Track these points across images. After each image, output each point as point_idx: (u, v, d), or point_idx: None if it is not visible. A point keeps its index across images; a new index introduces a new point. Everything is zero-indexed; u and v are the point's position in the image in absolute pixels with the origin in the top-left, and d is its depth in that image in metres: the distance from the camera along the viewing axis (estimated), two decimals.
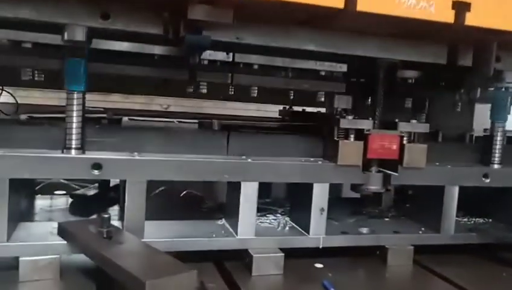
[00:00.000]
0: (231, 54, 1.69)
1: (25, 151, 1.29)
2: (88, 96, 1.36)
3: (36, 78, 1.65)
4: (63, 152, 1.32)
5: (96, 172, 1.31)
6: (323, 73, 1.79)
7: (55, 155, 1.30)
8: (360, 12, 1.19)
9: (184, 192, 2.14)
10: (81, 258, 1.38)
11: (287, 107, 2.16)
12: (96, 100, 2.41)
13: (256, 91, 1.77)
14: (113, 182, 1.96)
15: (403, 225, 1.78)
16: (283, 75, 1.76)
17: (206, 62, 1.67)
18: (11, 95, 2.12)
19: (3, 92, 1.95)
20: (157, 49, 1.61)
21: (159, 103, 2.75)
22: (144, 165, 1.35)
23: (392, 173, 1.55)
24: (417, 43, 1.52)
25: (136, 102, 2.73)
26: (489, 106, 1.81)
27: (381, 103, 1.65)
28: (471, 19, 1.27)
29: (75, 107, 1.32)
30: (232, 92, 1.81)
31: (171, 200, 1.92)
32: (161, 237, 1.41)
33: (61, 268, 1.31)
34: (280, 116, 2.19)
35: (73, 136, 1.31)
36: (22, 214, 1.46)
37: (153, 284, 1.03)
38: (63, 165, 1.30)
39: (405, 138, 1.55)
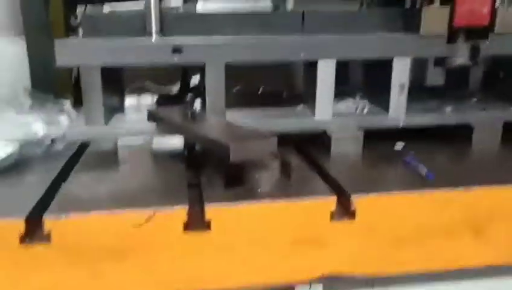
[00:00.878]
0: None
1: (109, 39, 1.33)
2: None
3: None
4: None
5: (176, 56, 1.32)
6: None
7: (137, 38, 1.33)
8: None
9: (261, 88, 2.16)
10: (171, 143, 1.46)
11: None
12: None
13: None
14: (193, 84, 2.00)
15: (492, 103, 1.64)
16: None
17: None
18: None
19: None
20: None
21: None
22: (221, 47, 1.35)
23: (481, 41, 1.41)
24: None
25: None
26: None
27: None
28: None
29: None
30: None
31: (250, 97, 1.94)
32: (241, 120, 1.42)
33: (153, 153, 1.40)
34: None
35: (153, 21, 1.32)
36: (115, 108, 1.54)
37: (236, 147, 1.05)
38: (145, 48, 1.32)
39: (498, 0, 1.38)
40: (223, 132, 1.20)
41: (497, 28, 1.39)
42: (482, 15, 1.37)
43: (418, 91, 1.73)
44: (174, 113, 1.34)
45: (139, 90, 2.11)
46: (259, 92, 2.18)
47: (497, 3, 1.39)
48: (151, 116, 1.37)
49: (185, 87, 1.99)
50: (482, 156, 1.47)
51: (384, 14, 1.48)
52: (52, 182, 1.22)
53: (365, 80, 1.71)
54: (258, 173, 1.13)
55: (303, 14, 1.44)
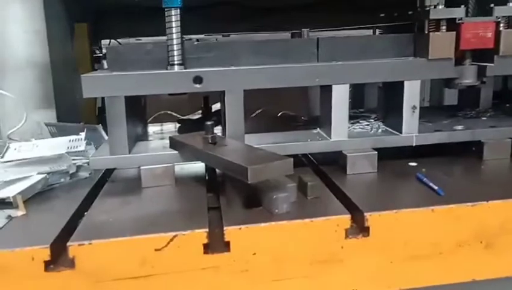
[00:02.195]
0: None
1: (135, 71, 1.39)
2: None
3: None
4: (167, 69, 1.40)
5: (197, 86, 1.38)
6: None
7: (160, 72, 1.39)
8: None
9: (280, 113, 2.21)
10: (192, 168, 1.51)
11: None
12: None
13: None
14: (215, 108, 2.06)
15: (501, 121, 1.66)
16: None
17: None
18: None
19: None
20: None
21: None
22: (240, 75, 1.40)
23: (487, 64, 1.44)
24: None
25: None
26: None
27: None
28: None
29: (174, 24, 1.37)
30: None
31: (268, 121, 1.98)
32: (261, 143, 1.46)
33: (175, 177, 1.43)
34: None
35: (175, 53, 1.38)
36: (138, 136, 1.59)
37: (254, 169, 1.09)
38: (168, 80, 1.38)
39: (502, 24, 1.42)
40: (241, 155, 1.24)
41: (502, 50, 1.43)
42: (486, 39, 1.41)
43: (434, 110, 1.76)
44: (195, 139, 1.39)
45: (162, 117, 2.20)
46: (279, 115, 2.23)
47: (501, 27, 1.42)
48: (173, 143, 1.43)
49: (207, 113, 2.05)
50: (492, 171, 1.49)
51: (395, 40, 1.53)
52: (77, 210, 1.27)
53: (379, 101, 1.75)
54: (275, 194, 1.15)
55: (317, 42, 1.49)
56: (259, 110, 2.21)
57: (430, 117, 1.70)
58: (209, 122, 1.36)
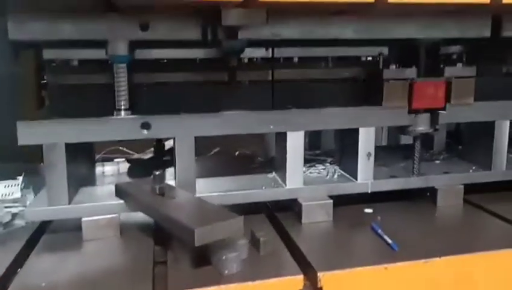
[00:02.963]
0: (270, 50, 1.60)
1: (77, 116, 1.29)
2: None
3: None
4: (113, 115, 1.32)
5: (145, 131, 1.30)
6: (363, 58, 1.67)
7: (106, 117, 1.30)
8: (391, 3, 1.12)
9: (237, 152, 2.15)
10: (139, 216, 1.41)
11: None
12: None
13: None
14: (168, 145, 1.97)
15: (454, 165, 1.67)
16: (323, 66, 1.64)
17: (246, 60, 1.58)
18: None
19: None
20: (197, 54, 1.54)
21: None
22: (190, 122, 1.33)
23: (439, 111, 1.44)
24: (458, 18, 1.40)
25: None
26: None
27: None
28: None
29: (121, 75, 1.32)
30: None
31: (225, 160, 1.92)
32: (213, 191, 1.39)
33: (121, 226, 1.33)
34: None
35: (122, 98, 1.30)
36: (82, 180, 1.48)
37: (202, 231, 1.01)
38: (114, 126, 1.29)
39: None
40: (188, 213, 1.16)
41: (453, 99, 1.43)
42: (437, 99, 1.42)
43: (390, 150, 1.78)
44: (142, 188, 1.30)
45: (111, 157, 2.08)
46: (236, 155, 2.17)
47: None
48: (119, 191, 1.33)
49: (160, 150, 1.96)
50: (446, 219, 1.47)
51: (351, 87, 1.52)
52: (7, 269, 1.13)
53: (336, 143, 1.71)
54: (224, 254, 1.08)
55: (272, 88, 1.44)
56: (216, 150, 2.15)
57: (386, 159, 1.69)
58: (157, 172, 1.27)
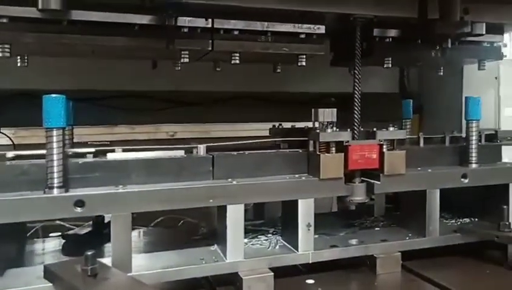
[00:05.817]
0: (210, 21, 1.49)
1: (3, 195, 1.19)
2: (93, 129, 1.25)
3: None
4: (44, 192, 1.22)
5: (79, 209, 1.21)
6: (302, 36, 1.57)
7: (35, 196, 1.20)
8: None
9: (181, 221, 2.07)
10: None
11: (277, 125, 2.00)
12: (101, 133, 2.24)
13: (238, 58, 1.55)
14: (108, 218, 1.86)
15: (392, 232, 1.68)
16: (263, 40, 1.61)
17: (186, 30, 1.51)
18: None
19: None
20: (135, 19, 1.44)
21: (165, 130, 2.59)
22: (126, 198, 1.26)
23: (374, 181, 1.47)
24: None
25: (142, 132, 2.55)
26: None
27: (360, 65, 1.55)
28: None
29: (55, 145, 1.21)
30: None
31: (167, 232, 1.83)
32: (150, 268, 1.32)
33: None
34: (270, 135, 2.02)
35: (55, 175, 1.21)
36: (10, 260, 1.35)
37: None
38: (45, 205, 1.20)
39: (385, 146, 1.48)
40: None
41: (386, 170, 1.47)
42: (372, 160, 1.44)
43: (332, 217, 1.77)
44: (73, 269, 1.18)
45: (47, 231, 1.93)
46: (179, 225, 2.08)
47: (385, 148, 1.46)
48: (48, 274, 1.21)
49: (98, 223, 1.84)
50: (384, 289, 1.45)
51: (290, 157, 1.51)
52: None
53: (279, 216, 1.68)
54: None
55: (212, 160, 1.41)
56: (160, 219, 2.05)
57: (327, 226, 1.67)
58: (89, 253, 1.17)
